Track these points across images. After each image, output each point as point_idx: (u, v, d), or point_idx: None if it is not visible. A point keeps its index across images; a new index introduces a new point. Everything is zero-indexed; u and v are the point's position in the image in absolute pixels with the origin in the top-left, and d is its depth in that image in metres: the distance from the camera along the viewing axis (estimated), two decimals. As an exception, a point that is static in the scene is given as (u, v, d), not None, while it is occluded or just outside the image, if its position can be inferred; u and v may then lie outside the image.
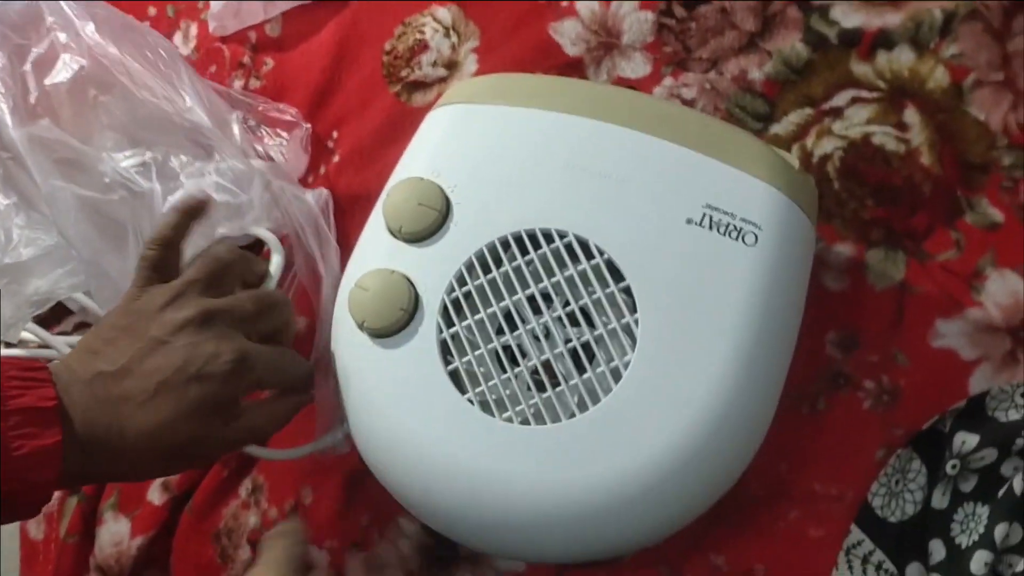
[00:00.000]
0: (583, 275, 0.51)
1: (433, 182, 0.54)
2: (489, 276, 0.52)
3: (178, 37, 0.75)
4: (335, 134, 0.68)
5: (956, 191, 0.61)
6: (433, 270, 0.53)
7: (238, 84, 0.71)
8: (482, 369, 0.51)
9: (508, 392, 0.50)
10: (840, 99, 0.64)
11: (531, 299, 0.51)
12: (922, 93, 0.63)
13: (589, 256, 0.51)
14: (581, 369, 0.50)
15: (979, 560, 0.52)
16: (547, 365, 0.50)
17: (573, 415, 0.49)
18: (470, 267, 0.52)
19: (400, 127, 0.66)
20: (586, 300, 0.50)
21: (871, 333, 0.58)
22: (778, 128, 0.64)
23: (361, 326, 0.52)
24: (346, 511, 0.60)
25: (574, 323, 0.51)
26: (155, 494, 0.63)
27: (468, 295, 0.52)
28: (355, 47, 0.70)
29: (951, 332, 0.58)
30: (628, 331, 0.50)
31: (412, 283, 0.52)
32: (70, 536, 0.65)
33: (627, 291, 0.50)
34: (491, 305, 0.51)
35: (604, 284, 0.50)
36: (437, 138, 0.57)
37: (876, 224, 0.60)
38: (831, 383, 0.58)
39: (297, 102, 0.69)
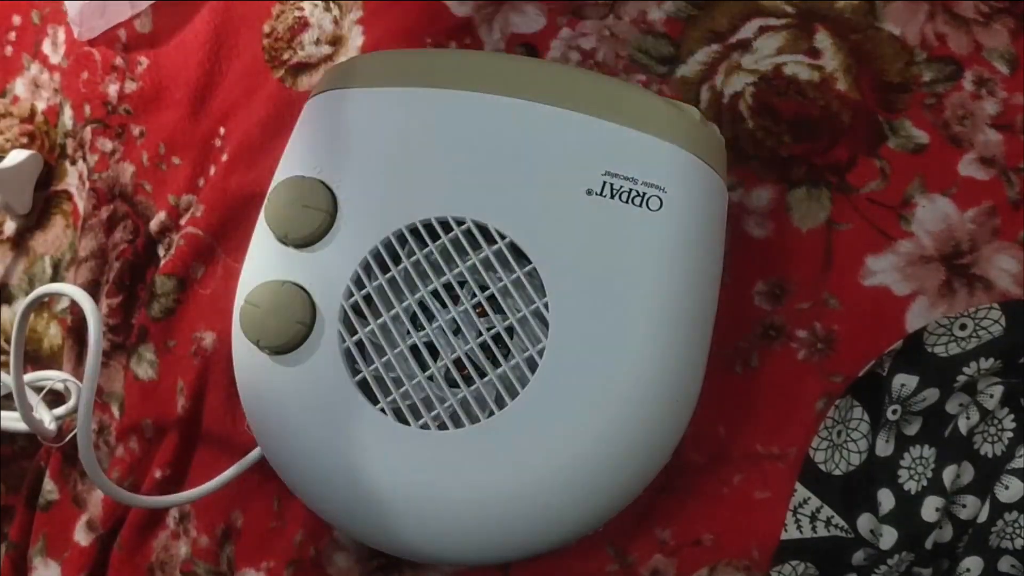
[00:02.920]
0: (486, 262, 0.48)
1: (316, 179, 0.50)
2: (388, 275, 0.48)
3: (47, 44, 0.70)
4: (222, 130, 0.64)
5: (877, 116, 0.58)
6: (328, 276, 0.49)
7: (113, 89, 0.66)
8: (392, 375, 0.48)
9: (422, 396, 0.47)
10: (747, 30, 0.60)
11: (436, 294, 0.48)
12: (832, 14, 0.59)
13: (490, 241, 0.48)
14: (496, 362, 0.47)
15: (930, 506, 0.51)
16: (460, 362, 0.47)
17: (492, 413, 0.46)
18: (367, 267, 0.49)
19: (288, 115, 0.62)
20: (492, 288, 0.47)
21: (800, 279, 0.56)
22: (685, 69, 0.60)
23: (258, 344, 0.49)
24: (280, 529, 0.57)
25: (484, 314, 0.48)
26: (81, 534, 0.60)
27: (368, 298, 0.48)
28: (232, 34, 0.65)
29: (882, 268, 0.55)
30: (539, 316, 0.47)
31: (307, 292, 0.49)
32: (4, 584, 0.63)
33: (533, 274, 0.47)
34: (394, 306, 0.48)
35: (509, 269, 0.47)
36: (315, 130, 0.53)
37: (796, 161, 0.57)
38: (763, 337, 0.55)
39: (177, 100, 0.65)
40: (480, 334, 0.47)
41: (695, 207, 0.48)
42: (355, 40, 0.64)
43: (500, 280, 0.47)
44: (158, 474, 0.58)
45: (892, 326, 0.54)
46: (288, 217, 0.50)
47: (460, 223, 0.48)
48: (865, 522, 0.53)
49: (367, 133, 0.51)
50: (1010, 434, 0.51)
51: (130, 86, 0.66)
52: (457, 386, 0.47)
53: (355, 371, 0.48)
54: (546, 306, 0.46)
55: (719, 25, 0.60)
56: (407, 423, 0.47)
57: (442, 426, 0.46)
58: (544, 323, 0.46)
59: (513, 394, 0.46)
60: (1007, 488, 0.50)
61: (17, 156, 0.66)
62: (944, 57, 0.58)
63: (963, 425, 0.51)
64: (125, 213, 0.64)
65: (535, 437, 0.46)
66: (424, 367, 0.47)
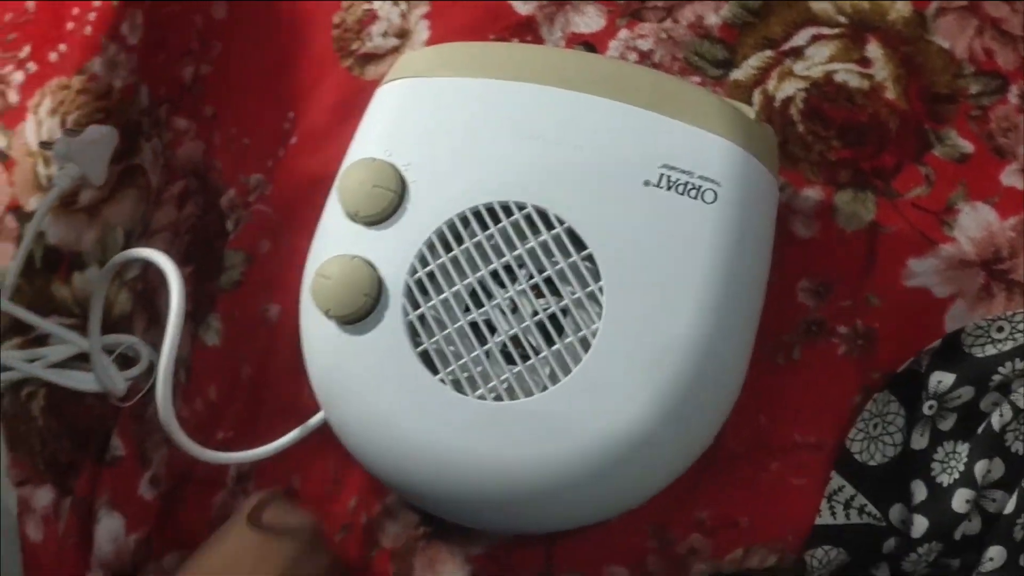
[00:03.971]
0: (545, 246, 0.50)
1: (386, 162, 0.53)
2: (451, 254, 0.51)
3: (125, 26, 0.73)
4: (291, 115, 0.67)
5: (923, 125, 0.60)
6: (394, 252, 0.52)
7: (188, 71, 0.70)
8: (451, 348, 0.50)
9: (479, 369, 0.50)
10: (800, 38, 0.62)
11: (495, 274, 0.51)
12: (884, 25, 0.62)
13: (549, 226, 0.50)
14: (550, 341, 0.49)
15: (960, 497, 0.52)
16: (516, 339, 0.50)
17: (546, 388, 0.49)
18: (431, 246, 0.51)
19: (355, 102, 0.65)
20: (550, 271, 0.50)
21: (843, 278, 0.58)
22: (738, 74, 0.62)
23: (327, 314, 0.52)
24: (335, 494, 0.60)
25: (540, 295, 0.50)
26: (146, 489, 0.63)
27: (431, 275, 0.51)
28: (304, 23, 0.68)
29: (924, 270, 0.57)
30: (594, 299, 0.49)
31: (374, 267, 0.52)
32: (69, 536, 0.66)
33: (590, 259, 0.50)
34: (455, 283, 0.51)
35: (566, 254, 0.50)
36: (387, 116, 0.56)
37: (843, 165, 0.59)
38: (805, 332, 0.57)
39: (249, 85, 0.68)
40: (536, 313, 0.50)
41: (748, 202, 0.51)
42: (421, 34, 0.67)
43: (557, 263, 0.50)
44: (221, 436, 0.61)
45: (931, 326, 0.56)
46: (360, 196, 0.53)
47: (521, 208, 0.51)
48: (897, 512, 0.55)
49: (436, 120, 0.54)
50: (1041, 432, 0.53)
51: (204, 68, 0.70)
52: (513, 362, 0.50)
53: (417, 343, 0.50)
54: (601, 290, 0.49)
55: (773, 32, 0.63)
56: (465, 394, 0.49)
57: (497, 398, 0.49)
58: (598, 306, 0.49)
59: (566, 371, 0.49)
60: None
61: (95, 131, 0.69)
62: (991, 71, 0.60)
63: (996, 422, 0.53)
64: (197, 189, 0.67)
65: (586, 413, 0.48)
66: (482, 342, 0.50)
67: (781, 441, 0.56)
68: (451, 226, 0.51)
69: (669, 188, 0.50)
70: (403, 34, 0.67)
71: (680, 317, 0.49)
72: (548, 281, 0.50)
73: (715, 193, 0.50)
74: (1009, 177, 0.58)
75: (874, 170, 0.59)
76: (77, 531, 0.66)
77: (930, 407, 0.54)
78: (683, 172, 0.50)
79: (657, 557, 0.57)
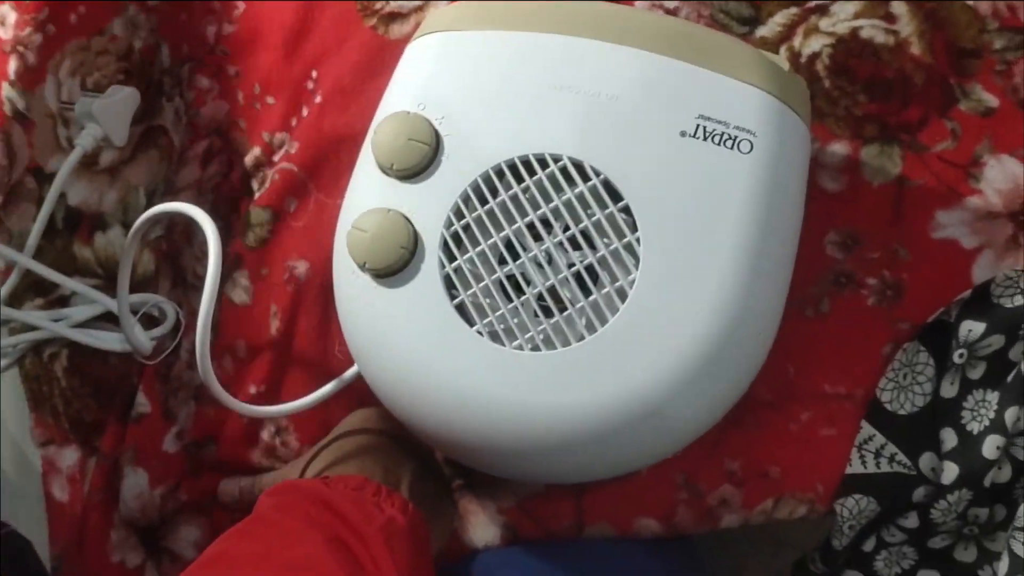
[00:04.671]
0: (581, 198, 0.50)
1: (420, 115, 0.53)
2: (487, 207, 0.51)
3: (143, -12, 0.73)
4: (315, 74, 0.66)
5: (949, 79, 0.60)
6: (430, 205, 0.52)
7: (211, 30, 0.69)
8: (488, 300, 0.50)
9: (516, 321, 0.50)
10: (826, -6, 0.62)
11: (531, 226, 0.51)
12: (909, -19, 0.62)
13: (585, 178, 0.51)
14: (587, 292, 0.50)
15: (991, 444, 0.53)
16: (552, 291, 0.50)
17: (582, 338, 0.49)
18: (466, 199, 0.52)
19: (380, 61, 0.65)
20: (586, 223, 0.50)
21: (871, 230, 0.58)
22: (764, 31, 0.62)
23: (363, 267, 0.52)
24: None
25: (576, 247, 0.51)
26: (170, 443, 0.63)
27: (467, 228, 0.51)
28: (326, -18, 0.68)
29: (951, 222, 0.58)
30: (630, 250, 0.49)
31: (409, 220, 0.52)
32: (94, 494, 0.66)
33: (626, 210, 0.50)
34: (491, 236, 0.51)
35: (603, 205, 0.50)
36: (420, 70, 0.56)
37: (869, 120, 0.60)
38: (834, 283, 0.58)
39: (272, 44, 0.68)
40: (572, 265, 0.50)
41: (782, 151, 0.51)
42: (445, -8, 0.67)
43: (594, 215, 0.50)
44: (252, 390, 0.62)
45: (959, 277, 0.57)
46: (394, 149, 0.53)
47: (557, 160, 0.51)
48: (927, 460, 0.55)
49: (469, 73, 0.54)
50: (1067, 381, 0.54)
51: (227, 28, 0.69)
52: (549, 314, 0.50)
53: (453, 296, 0.51)
54: (638, 240, 0.49)
55: (799, -12, 0.63)
56: (502, 344, 0.50)
57: (535, 348, 0.49)
58: (635, 257, 0.49)
59: (603, 321, 0.49)
60: None
61: (116, 91, 0.69)
62: (1014, 27, 0.61)
63: (1026, 370, 0.54)
64: (220, 148, 0.67)
65: (623, 362, 0.49)
66: (519, 294, 0.50)
67: (810, 391, 0.57)
68: (486, 179, 0.52)
69: (706, 139, 0.50)
70: (427, -8, 0.67)
71: (717, 267, 0.49)
72: (584, 234, 0.50)
73: (751, 143, 0.50)
74: (1035, 130, 0.59)
75: (900, 124, 0.59)
76: (102, 489, 0.66)
77: (960, 355, 0.55)
78: (719, 123, 0.50)
79: (687, 508, 0.58)
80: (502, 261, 0.51)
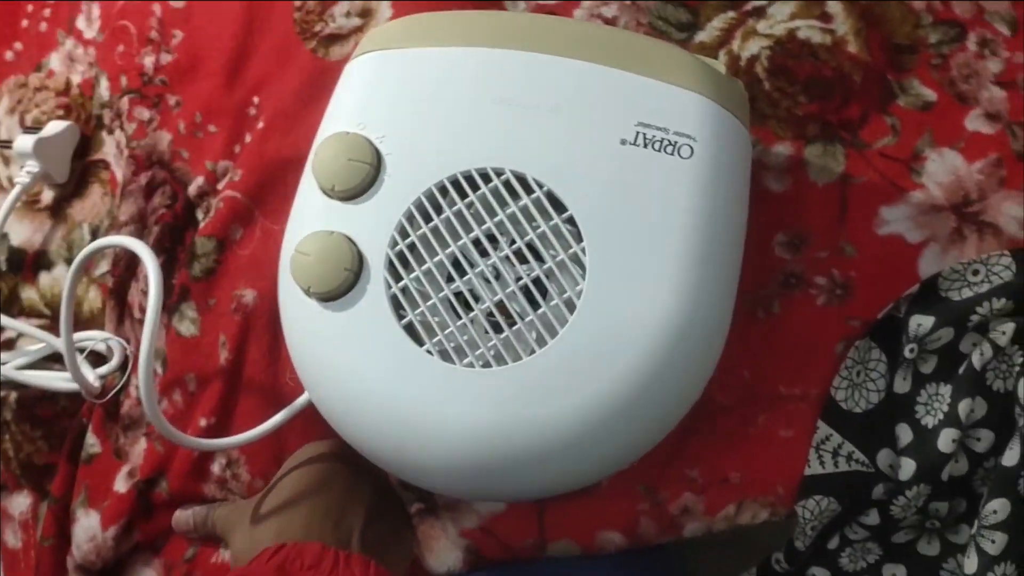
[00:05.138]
0: (525, 211, 0.50)
1: (360, 135, 0.53)
2: (431, 224, 0.51)
3: (81, 20, 0.72)
4: (256, 99, 0.66)
5: (887, 75, 0.61)
6: (373, 226, 0.51)
7: (149, 60, 0.69)
8: (436, 319, 0.50)
9: (466, 338, 0.49)
10: (762, -2, 0.63)
11: (477, 242, 0.51)
12: (842, -19, 0.62)
13: (528, 191, 0.50)
14: (535, 305, 0.49)
15: (946, 437, 0.53)
16: (501, 306, 0.50)
17: (533, 352, 0.49)
18: (410, 218, 0.51)
19: (321, 84, 0.64)
20: (531, 235, 0.50)
21: (818, 230, 0.58)
22: (703, 36, 0.63)
23: (308, 292, 0.51)
24: (322, 477, 0.60)
25: (523, 260, 0.50)
26: (121, 483, 0.62)
27: (412, 246, 0.51)
28: (264, 7, 0.67)
29: (896, 217, 0.58)
30: (577, 261, 0.49)
31: (353, 242, 0.51)
32: (46, 539, 0.64)
33: (571, 221, 0.49)
34: (437, 253, 0.50)
35: (547, 217, 0.50)
36: (358, 89, 0.55)
37: (811, 120, 0.60)
38: (783, 284, 0.58)
39: (212, 71, 0.67)
40: (519, 278, 0.50)
41: (723, 156, 0.51)
42: (384, 12, 0.66)
43: (539, 228, 0.50)
44: (203, 422, 0.60)
45: (906, 271, 0.57)
46: (335, 170, 0.52)
47: (499, 174, 0.50)
48: (884, 456, 0.55)
49: (408, 90, 0.53)
50: (1017, 368, 0.54)
51: (165, 58, 0.68)
52: (499, 329, 0.49)
53: (401, 316, 0.50)
54: (583, 251, 0.49)
55: (735, -7, 0.63)
56: (453, 363, 0.49)
57: (486, 365, 0.49)
58: (581, 267, 0.49)
59: (552, 334, 0.48)
60: None
61: (55, 127, 0.68)
62: (949, 20, 0.61)
63: (976, 361, 0.54)
64: (163, 179, 0.66)
65: (574, 374, 0.48)
66: (467, 311, 0.50)
67: (766, 393, 0.57)
68: (429, 196, 0.51)
69: (646, 145, 0.50)
70: (366, 13, 0.67)
71: (664, 274, 0.49)
72: (530, 246, 0.50)
73: (691, 148, 0.50)
74: (973, 122, 0.59)
75: (841, 122, 0.60)
76: (55, 533, 0.65)
77: (911, 350, 0.55)
78: (659, 129, 0.50)
79: (649, 519, 0.57)
80: (449, 279, 0.50)
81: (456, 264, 0.51)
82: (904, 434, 0.55)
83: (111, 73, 0.70)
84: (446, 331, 0.49)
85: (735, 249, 0.52)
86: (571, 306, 0.49)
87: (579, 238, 0.49)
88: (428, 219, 0.51)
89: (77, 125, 0.70)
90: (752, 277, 0.57)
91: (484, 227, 0.50)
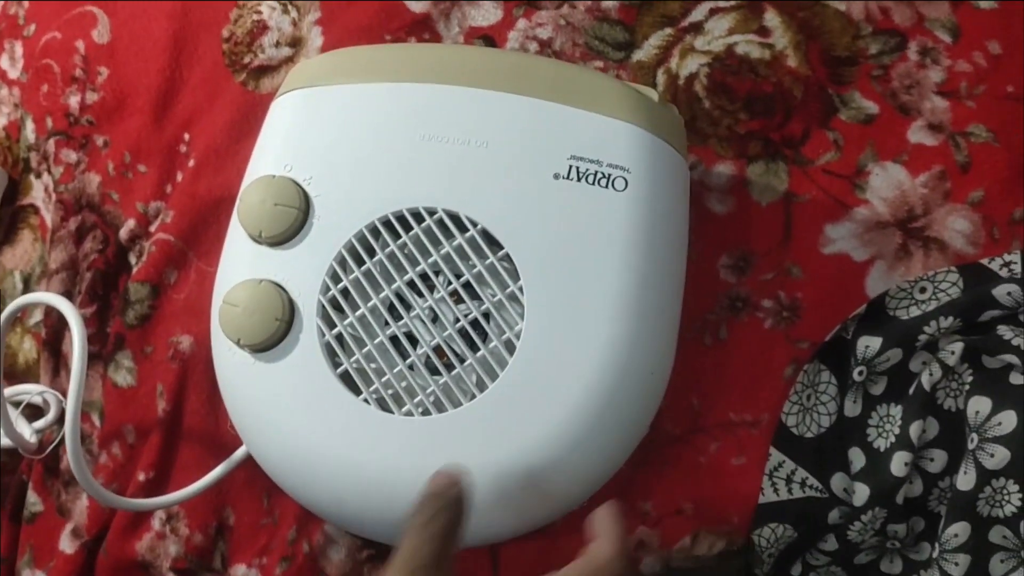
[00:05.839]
0: (460, 250, 0.49)
1: (287, 178, 0.51)
2: (363, 268, 0.49)
3: (4, 59, 0.70)
4: (186, 136, 0.64)
5: (827, 89, 0.60)
6: (304, 271, 0.50)
7: (75, 100, 0.66)
8: (373, 365, 0.48)
9: (404, 384, 0.48)
10: (698, 13, 0.62)
11: (412, 284, 0.49)
12: (779, -8, 0.61)
13: (463, 229, 0.49)
14: (474, 347, 0.48)
15: (899, 461, 0.52)
16: (440, 349, 0.48)
17: (474, 396, 0.47)
18: (342, 262, 0.50)
19: (253, 118, 0.62)
20: (467, 275, 0.48)
21: (762, 251, 0.57)
22: (640, 54, 0.61)
23: (238, 343, 0.49)
24: (271, 526, 0.58)
25: (460, 301, 0.49)
26: (66, 543, 0.60)
27: (346, 292, 0.49)
28: (191, 39, 0.65)
29: (841, 236, 0.57)
30: (515, 299, 0.48)
31: (284, 289, 0.50)
32: (-7, 603, 0.63)
33: (507, 259, 0.48)
34: (371, 298, 0.49)
35: (483, 256, 0.48)
36: (283, 130, 0.53)
37: (752, 137, 0.59)
38: (730, 309, 0.57)
39: (140, 108, 0.65)
40: (458, 320, 0.48)
41: (659, 186, 0.50)
42: (315, 41, 0.64)
43: (474, 267, 0.48)
44: (142, 477, 0.58)
45: (853, 290, 0.56)
46: (261, 216, 0.50)
47: (432, 213, 0.49)
48: (838, 481, 0.54)
49: (334, 129, 0.52)
50: (967, 387, 0.53)
51: (91, 96, 0.66)
52: (438, 373, 0.48)
53: (336, 364, 0.48)
54: (521, 289, 0.48)
55: (671, 9, 0.62)
56: (391, 411, 0.48)
57: (425, 412, 0.47)
58: (520, 305, 0.48)
59: (493, 377, 0.47)
60: (992, 456, 0.52)
61: (-19, 173, 0.66)
62: (889, 29, 0.60)
63: (926, 381, 0.53)
64: (94, 223, 0.64)
65: (517, 417, 0.47)
66: (404, 356, 0.48)
67: (716, 421, 0.56)
68: (361, 239, 0.50)
69: (579, 179, 0.49)
70: (296, 42, 0.65)
71: (602, 310, 0.48)
72: (467, 286, 0.49)
73: (625, 180, 0.49)
74: (916, 134, 0.58)
75: (783, 139, 0.59)
76: (1, 595, 0.63)
77: (860, 373, 0.54)
78: (591, 161, 0.49)
79: (605, 553, 0.56)
80: (386, 324, 0.49)
81: (392, 308, 0.49)
82: (857, 458, 0.54)
83: (36, 114, 0.67)
84: (383, 379, 0.48)
85: (675, 279, 0.51)
86: (511, 347, 0.48)
87: (516, 276, 0.48)
88: (361, 262, 0.49)
89: (4, 170, 0.67)
90: (699, 302, 0.56)
91: (419, 268, 0.49)
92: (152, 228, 0.63)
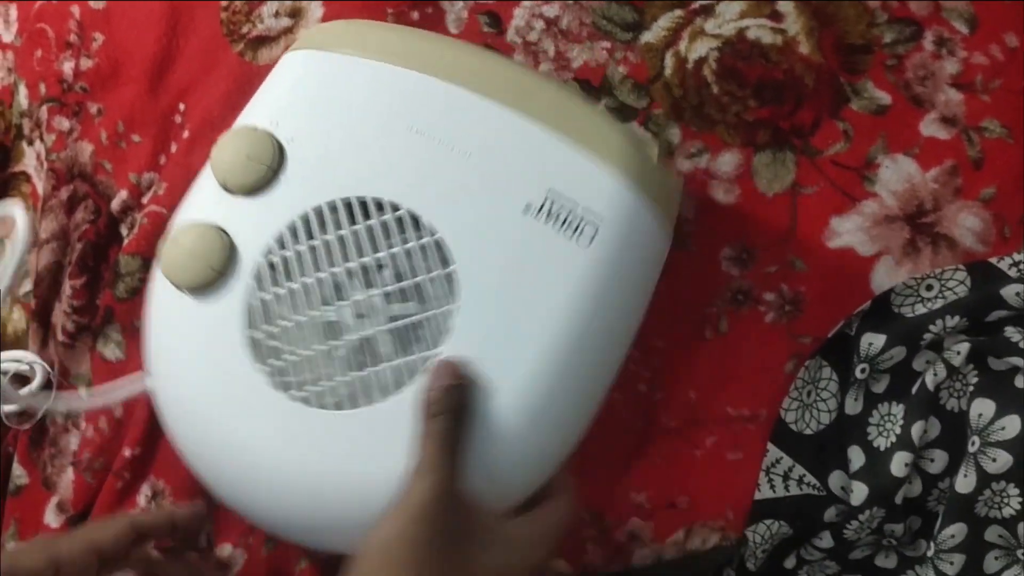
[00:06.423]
0: (410, 252, 0.46)
1: (267, 133, 0.49)
2: (311, 242, 0.47)
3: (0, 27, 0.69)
4: (182, 106, 0.62)
5: (839, 78, 0.58)
6: (255, 229, 0.48)
7: (68, 66, 0.65)
8: (288, 344, 0.46)
9: (315, 372, 0.46)
10: (710, -5, 0.60)
11: (351, 272, 0.47)
12: (794, -24, 0.59)
13: (419, 233, 0.47)
14: (398, 352, 0.46)
15: (899, 461, 0.51)
16: (363, 346, 0.46)
17: (383, 398, 0.45)
18: (294, 230, 0.47)
19: (249, 89, 0.59)
20: (409, 281, 0.46)
21: (766, 243, 0.56)
22: (649, 36, 0.60)
23: (170, 280, 0.48)
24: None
25: (395, 302, 0.46)
26: (51, 516, 0.59)
27: (286, 260, 0.47)
28: (188, 7, 0.64)
29: (847, 229, 0.56)
30: (448, 317, 0.45)
31: (232, 241, 0.48)
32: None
33: (452, 276, 0.46)
34: (309, 274, 0.47)
35: (430, 266, 0.46)
36: (282, 85, 0.52)
37: (761, 125, 0.57)
38: (731, 302, 0.56)
39: (135, 77, 0.63)
40: (390, 320, 0.46)
41: (628, 247, 0.47)
42: (315, 12, 0.63)
43: (417, 275, 0.46)
44: (128, 453, 0.58)
45: (858, 286, 0.55)
46: (231, 165, 0.49)
47: (395, 208, 0.47)
48: (836, 479, 0.53)
49: (331, 97, 0.50)
50: (972, 388, 0.52)
51: (85, 63, 0.65)
52: (356, 369, 0.46)
53: (254, 327, 0.47)
54: (457, 309, 0.45)
55: (682, -10, 0.60)
56: (283, 391, 0.45)
57: (339, 405, 0.45)
58: (450, 325, 0.45)
59: (412, 378, 0.45)
60: (994, 460, 0.51)
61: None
62: (904, 18, 0.59)
63: (930, 381, 0.52)
64: (86, 193, 0.63)
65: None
66: (325, 342, 0.46)
67: (714, 415, 0.55)
68: (318, 212, 0.47)
69: (548, 218, 0.46)
70: (296, 12, 0.63)
71: (526, 353, 0.45)
72: (405, 291, 0.46)
73: (595, 231, 0.46)
74: (929, 127, 0.57)
75: (793, 128, 0.57)
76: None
77: (862, 370, 0.53)
78: (567, 199, 0.46)
79: (596, 546, 0.55)
80: (314, 305, 0.46)
81: (325, 290, 0.47)
82: (856, 457, 0.53)
83: (29, 80, 0.66)
84: (288, 356, 0.46)
85: (615, 345, 0.49)
86: (429, 361, 0.45)
87: (456, 296, 0.46)
88: (311, 236, 0.47)
89: (-6, 134, 0.66)
90: (700, 295, 0.55)
91: (365, 259, 0.47)
92: (144, 200, 0.62)
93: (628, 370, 0.56)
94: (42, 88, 0.66)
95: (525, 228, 0.46)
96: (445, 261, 0.46)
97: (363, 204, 0.47)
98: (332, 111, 0.50)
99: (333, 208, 0.47)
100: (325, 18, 0.63)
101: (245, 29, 0.63)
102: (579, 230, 0.46)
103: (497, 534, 0.42)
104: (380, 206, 0.47)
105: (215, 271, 0.47)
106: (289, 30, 0.63)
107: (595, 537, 0.55)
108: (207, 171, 0.50)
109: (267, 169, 0.48)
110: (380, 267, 0.47)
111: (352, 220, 0.47)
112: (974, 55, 0.58)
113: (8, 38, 0.68)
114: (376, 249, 0.47)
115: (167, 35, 0.64)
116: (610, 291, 0.46)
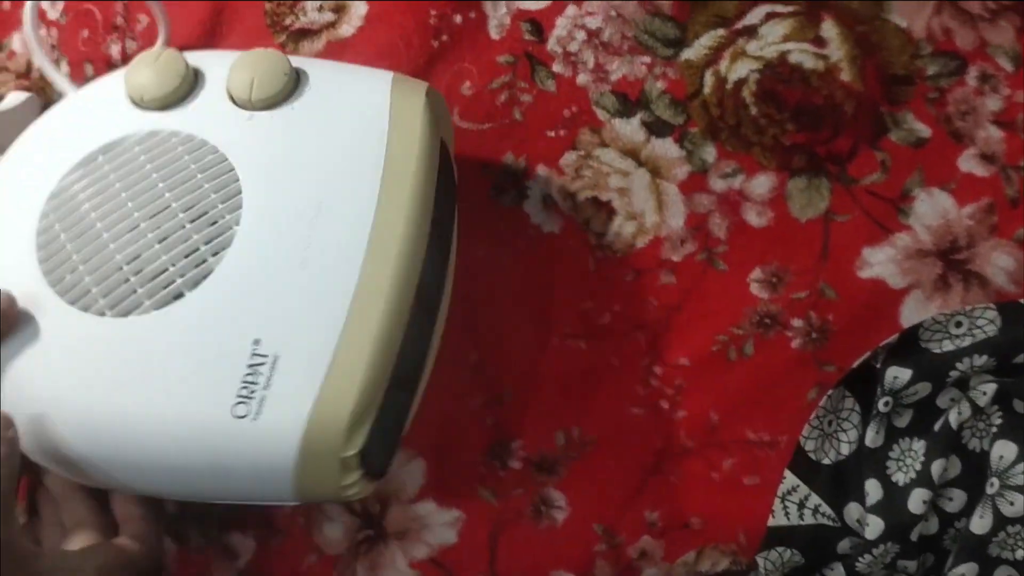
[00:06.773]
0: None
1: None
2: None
3: (45, 3, 0.69)
4: (221, 95, 0.63)
5: (879, 107, 0.58)
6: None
7: (116, 49, 0.66)
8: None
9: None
10: (754, 16, 0.60)
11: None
12: (840, 3, 0.59)
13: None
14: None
15: (917, 498, 0.51)
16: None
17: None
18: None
19: (289, 82, 0.61)
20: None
21: (797, 268, 0.56)
22: (690, 53, 0.59)
23: None
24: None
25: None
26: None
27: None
28: (234, -4, 0.65)
29: (879, 260, 0.55)
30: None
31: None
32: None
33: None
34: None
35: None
36: None
37: (797, 150, 0.57)
38: (758, 325, 0.55)
39: (177, 63, 0.64)
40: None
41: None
42: (359, 8, 0.63)
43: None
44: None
45: (886, 318, 0.54)
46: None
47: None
48: (852, 511, 0.53)
49: None
50: (995, 429, 0.52)
51: (131, 45, 0.65)
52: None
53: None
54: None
55: (726, 9, 0.60)
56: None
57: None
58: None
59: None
60: (1012, 504, 0.51)
61: (15, 99, 0.65)
62: (949, 52, 0.58)
63: (954, 420, 0.51)
64: (121, 175, 0.63)
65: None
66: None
67: (733, 438, 0.55)
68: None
69: None
70: (340, 8, 0.63)
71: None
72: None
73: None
74: (967, 162, 0.56)
75: (829, 155, 0.57)
76: None
77: (885, 403, 0.53)
78: None
79: (605, 561, 0.55)
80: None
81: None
82: (874, 490, 0.52)
83: (72, 59, 0.66)
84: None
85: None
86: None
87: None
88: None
89: (39, 97, 0.66)
90: (728, 316, 0.55)
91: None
92: (179, 184, 0.62)
93: (649, 386, 0.56)
94: (89, 69, 0.66)
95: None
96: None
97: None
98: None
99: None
100: (369, 15, 0.63)
101: (288, 21, 0.63)
102: None
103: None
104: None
105: None
106: (331, 24, 0.63)
107: (605, 552, 0.55)
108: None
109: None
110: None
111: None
112: (1017, 93, 0.57)
113: (54, 15, 0.69)
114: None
115: (211, 21, 0.64)
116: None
